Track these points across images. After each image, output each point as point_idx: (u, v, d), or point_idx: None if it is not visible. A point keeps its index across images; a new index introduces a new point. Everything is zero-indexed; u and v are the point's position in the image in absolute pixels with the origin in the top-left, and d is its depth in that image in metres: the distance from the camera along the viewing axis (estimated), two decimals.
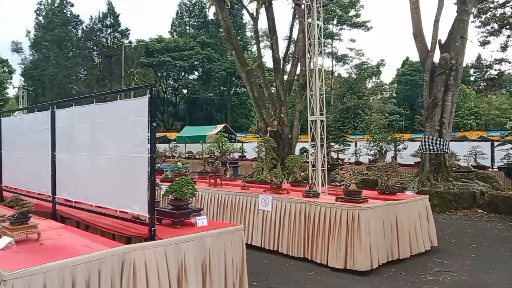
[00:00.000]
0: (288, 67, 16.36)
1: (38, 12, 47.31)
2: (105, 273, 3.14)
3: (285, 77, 15.97)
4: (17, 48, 50.19)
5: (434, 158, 11.98)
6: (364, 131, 25.52)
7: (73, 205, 5.14)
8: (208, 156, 13.04)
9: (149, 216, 3.84)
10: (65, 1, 46.38)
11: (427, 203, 6.99)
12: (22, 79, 48.43)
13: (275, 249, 6.60)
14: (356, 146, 19.33)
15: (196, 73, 54.48)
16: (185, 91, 54.50)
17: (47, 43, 43.18)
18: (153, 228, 3.77)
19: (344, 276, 5.52)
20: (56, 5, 46.61)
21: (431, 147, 11.99)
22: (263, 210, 6.89)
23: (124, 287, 3.23)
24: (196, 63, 49.54)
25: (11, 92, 53.03)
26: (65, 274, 2.91)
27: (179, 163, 11.50)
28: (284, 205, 6.56)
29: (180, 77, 53.21)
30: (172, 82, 54.11)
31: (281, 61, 15.85)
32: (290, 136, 14.45)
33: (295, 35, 16.35)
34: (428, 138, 12.07)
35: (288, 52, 17.94)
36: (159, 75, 49.41)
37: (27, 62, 48.83)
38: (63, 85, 36.13)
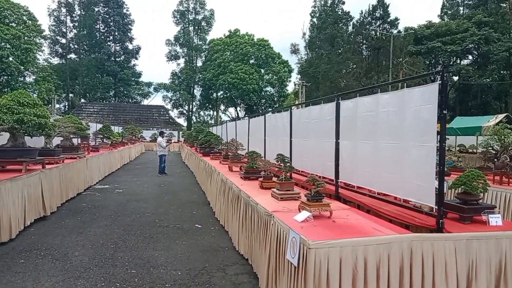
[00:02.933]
0: None
1: (312, 14, 52.65)
2: (394, 258, 3.21)
3: None
4: (295, 50, 57.37)
5: None
6: None
7: (354, 189, 5.50)
8: (485, 150, 11.61)
9: (436, 207, 3.71)
10: (336, 0, 49.84)
11: None
12: (299, 76, 55.01)
13: None
14: None
15: (469, 57, 48.98)
16: (455, 78, 49.85)
17: (320, 42, 47.55)
18: (441, 220, 3.63)
19: None
20: (328, 5, 50.68)
21: None
22: None
23: (414, 275, 3.23)
24: (470, 46, 44.50)
25: (289, 88, 61.35)
26: (358, 251, 3.14)
27: (453, 157, 10.70)
28: None
29: (451, 63, 48.91)
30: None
31: None
32: None
33: None
34: None
35: None
36: (427, 62, 46.79)
37: (302, 61, 55.11)
38: (334, 80, 39.02)
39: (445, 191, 5.68)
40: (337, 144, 5.77)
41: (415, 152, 3.96)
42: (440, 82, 3.55)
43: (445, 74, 3.54)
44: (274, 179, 6.38)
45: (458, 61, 49.16)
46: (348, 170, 5.63)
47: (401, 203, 4.49)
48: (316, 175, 6.76)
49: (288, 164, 5.61)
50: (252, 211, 5.09)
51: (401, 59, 35.51)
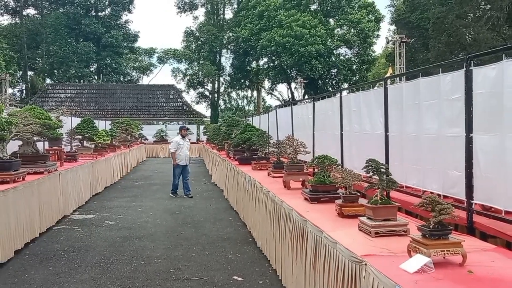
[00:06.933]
0: None
1: None
2: None
3: None
4: None
5: None
6: None
7: (501, 216, 5.30)
8: None
9: None
10: None
11: None
12: (393, 28, 54.11)
13: None
14: None
15: None
16: None
17: None
18: None
19: None
20: None
21: None
22: None
23: None
24: None
25: (377, 49, 60.33)
26: None
27: None
28: None
29: None
30: None
31: None
32: None
33: None
34: None
35: None
36: None
37: (399, 3, 54.12)
38: (454, 31, 37.86)
39: None
40: (469, 139, 5.60)
41: None
42: None
43: None
44: (362, 200, 6.29)
45: None
46: (490, 184, 5.44)
47: None
48: (431, 192, 6.62)
49: (388, 176, 5.49)
50: (328, 254, 5.04)
51: None
